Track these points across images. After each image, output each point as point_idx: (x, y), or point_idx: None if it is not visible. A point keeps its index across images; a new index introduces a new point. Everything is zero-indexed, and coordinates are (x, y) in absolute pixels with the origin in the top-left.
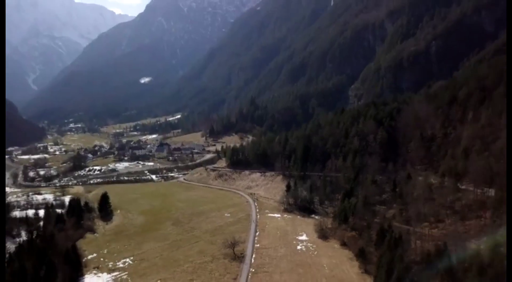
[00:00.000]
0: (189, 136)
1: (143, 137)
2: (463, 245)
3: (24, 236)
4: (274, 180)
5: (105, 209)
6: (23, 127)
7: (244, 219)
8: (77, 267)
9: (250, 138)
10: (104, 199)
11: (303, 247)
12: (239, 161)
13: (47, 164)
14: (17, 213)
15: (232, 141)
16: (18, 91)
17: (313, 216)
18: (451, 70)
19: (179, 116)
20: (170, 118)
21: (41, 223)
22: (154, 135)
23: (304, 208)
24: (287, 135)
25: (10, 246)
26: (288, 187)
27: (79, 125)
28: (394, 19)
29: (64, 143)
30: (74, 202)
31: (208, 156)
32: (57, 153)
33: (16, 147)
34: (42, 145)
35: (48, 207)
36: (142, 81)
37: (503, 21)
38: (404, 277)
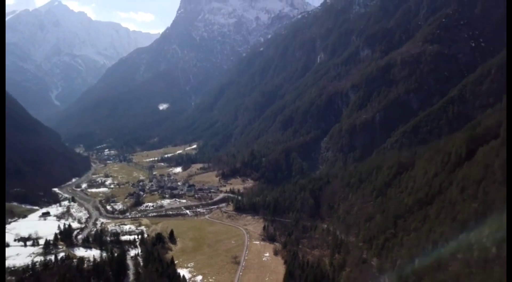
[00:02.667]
0: (206, 175)
1: (170, 170)
2: (317, 260)
3: (131, 250)
4: (258, 221)
5: (172, 237)
6: (75, 158)
7: (241, 244)
8: (174, 266)
9: (249, 180)
10: (172, 232)
11: (265, 258)
12: (240, 207)
13: (114, 199)
14: (123, 237)
15: (237, 182)
16: (44, 107)
17: (275, 243)
18: (387, 137)
19: (195, 146)
20: (188, 148)
21: (137, 244)
22: (178, 168)
23: (272, 239)
24: (267, 195)
25: (128, 256)
26: (264, 226)
27: (112, 151)
28: (355, 91)
29: (111, 174)
30: (159, 234)
31: (221, 195)
32: (112, 186)
33: (77, 178)
34: (96, 176)
35: (141, 234)
36: (161, 107)
37: (425, 102)
38: (292, 273)
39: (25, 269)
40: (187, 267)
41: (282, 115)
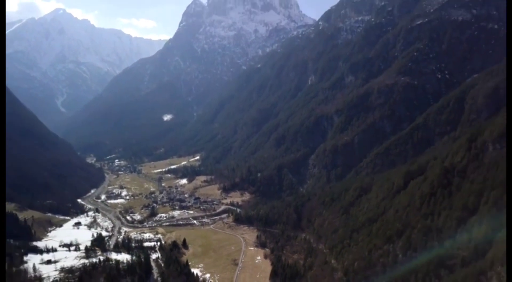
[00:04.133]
0: (209, 188)
1: (177, 181)
2: (295, 262)
3: (153, 254)
4: (253, 231)
5: (185, 244)
6: (91, 170)
7: (239, 250)
8: (189, 267)
9: (247, 193)
10: (184, 240)
11: (258, 261)
12: (238, 219)
13: (132, 210)
14: (145, 244)
15: (236, 195)
16: (50, 114)
17: (265, 249)
18: (363, 157)
19: (198, 157)
20: (191, 159)
21: (157, 249)
22: (184, 180)
23: (263, 245)
24: (260, 209)
25: (150, 259)
26: (257, 235)
27: (122, 162)
28: (338, 115)
29: (125, 185)
30: (175, 241)
31: (222, 207)
32: (128, 197)
33: (95, 189)
34: (112, 187)
35: (159, 241)
36: (165, 118)
37: (396, 127)
38: (276, 272)
39: (81, 268)
40: (198, 268)
41: (276, 133)
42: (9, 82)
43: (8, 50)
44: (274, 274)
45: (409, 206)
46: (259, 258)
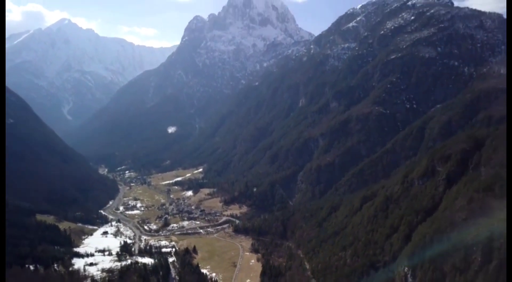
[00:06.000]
0: (212, 201)
1: (183, 193)
2: (279, 264)
3: (169, 258)
4: (248, 239)
5: (195, 250)
6: (107, 182)
7: (237, 255)
8: (199, 268)
9: (244, 206)
10: (194, 246)
11: (251, 263)
12: (237, 229)
13: (148, 220)
14: (162, 250)
15: (235, 208)
16: (57, 122)
17: (258, 254)
18: (342, 176)
19: (201, 169)
20: (195, 171)
21: (172, 254)
22: (190, 192)
23: (256, 251)
24: (254, 221)
25: (169, 261)
26: (252, 243)
27: (132, 173)
28: (323, 138)
29: (138, 197)
30: (187, 248)
31: (224, 218)
32: (142, 209)
33: (112, 200)
34: (127, 198)
35: (173, 247)
36: (170, 131)
37: (370, 150)
38: (265, 272)
39: (118, 269)
40: (206, 268)
41: (270, 151)
42: (18, 92)
43: (17, 60)
44: (263, 273)
45: (360, 223)
46: (253, 261)
